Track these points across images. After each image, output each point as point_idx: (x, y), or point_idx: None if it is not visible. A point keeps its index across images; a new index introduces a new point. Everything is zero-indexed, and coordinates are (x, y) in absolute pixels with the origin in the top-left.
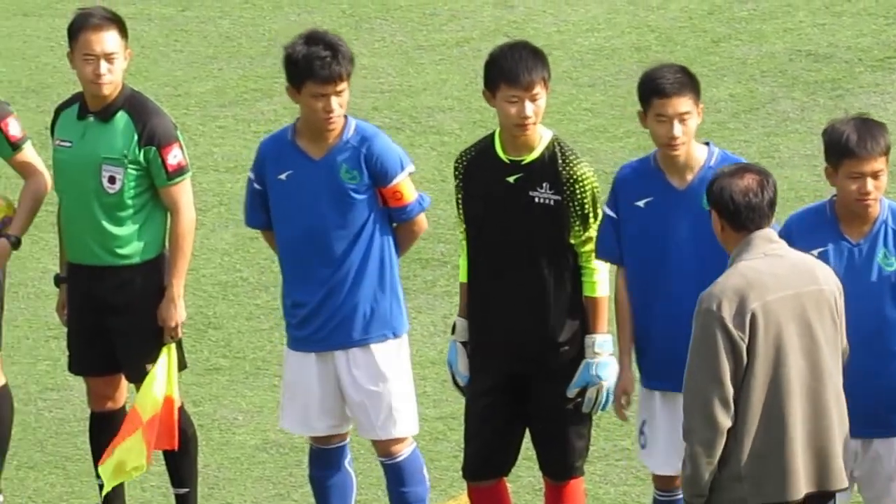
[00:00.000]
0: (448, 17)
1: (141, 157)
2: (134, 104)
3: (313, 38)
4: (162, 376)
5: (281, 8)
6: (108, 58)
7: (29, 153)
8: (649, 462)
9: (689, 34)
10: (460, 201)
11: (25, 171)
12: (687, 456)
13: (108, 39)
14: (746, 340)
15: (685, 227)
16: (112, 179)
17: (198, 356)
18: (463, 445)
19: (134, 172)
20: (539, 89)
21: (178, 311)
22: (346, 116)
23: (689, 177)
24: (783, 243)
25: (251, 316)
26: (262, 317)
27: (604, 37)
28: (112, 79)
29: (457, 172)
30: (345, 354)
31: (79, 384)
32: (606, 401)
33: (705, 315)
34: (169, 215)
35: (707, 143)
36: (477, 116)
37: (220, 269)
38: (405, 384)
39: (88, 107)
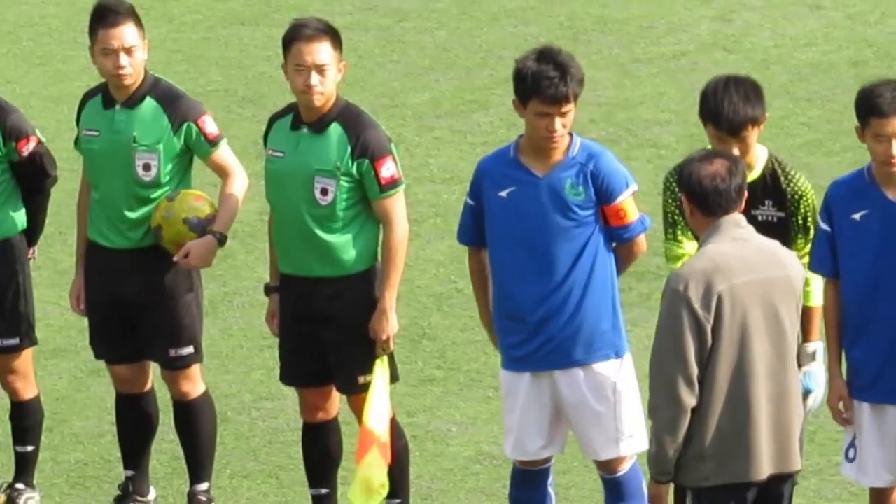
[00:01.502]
0: (665, 30)
1: (354, 170)
2: (348, 116)
3: (545, 56)
4: (383, 389)
5: (498, 20)
6: (320, 69)
7: (225, 152)
8: (857, 476)
9: None
10: (680, 223)
11: (222, 170)
12: (652, 434)
13: (320, 51)
14: (712, 322)
15: None
16: (324, 191)
17: (412, 367)
18: None
19: (346, 184)
20: (747, 133)
21: (390, 323)
22: (570, 134)
23: None
24: (751, 228)
25: (466, 327)
26: (476, 328)
27: (821, 51)
28: (323, 90)
29: (668, 189)
30: (565, 375)
31: (293, 393)
32: (814, 407)
33: (672, 295)
34: (382, 227)
35: None
36: (694, 130)
37: (434, 280)
38: (632, 402)
39: (302, 118)
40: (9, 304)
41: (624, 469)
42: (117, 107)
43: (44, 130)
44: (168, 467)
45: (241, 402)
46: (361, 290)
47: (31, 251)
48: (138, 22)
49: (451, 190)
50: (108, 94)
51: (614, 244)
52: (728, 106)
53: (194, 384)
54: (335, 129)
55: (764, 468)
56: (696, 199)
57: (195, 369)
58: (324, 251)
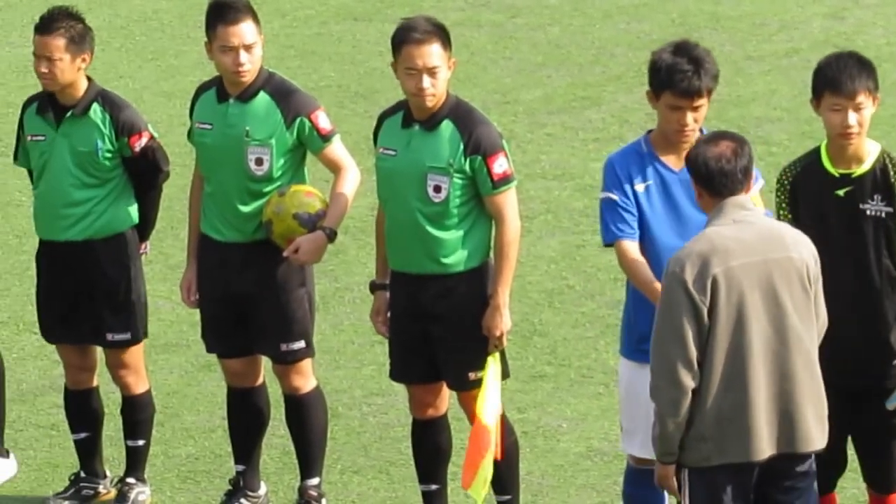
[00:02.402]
0: (778, 27)
1: (466, 166)
2: (460, 113)
3: (681, 49)
4: (494, 386)
5: (610, 16)
6: (431, 72)
7: (338, 147)
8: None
9: None
10: (787, 220)
11: (334, 165)
12: (655, 415)
13: (431, 53)
14: (707, 304)
15: None
16: (437, 188)
17: (523, 363)
18: None
19: (459, 181)
20: (863, 98)
21: (503, 320)
22: (701, 129)
23: None
24: (756, 210)
25: (577, 324)
26: (587, 325)
27: None
28: (435, 91)
29: (780, 187)
30: None
31: (403, 389)
32: None
33: (670, 278)
34: (494, 224)
35: None
36: (805, 127)
37: (546, 276)
38: None
39: (414, 116)
40: (120, 299)
41: None
42: (231, 101)
43: (156, 125)
44: (279, 462)
45: (352, 397)
46: (473, 287)
47: (142, 246)
48: (256, 19)
49: (562, 186)
50: (223, 88)
51: None
52: (846, 71)
53: (306, 379)
54: (447, 127)
55: (763, 448)
56: (702, 180)
57: (306, 364)
58: (436, 248)
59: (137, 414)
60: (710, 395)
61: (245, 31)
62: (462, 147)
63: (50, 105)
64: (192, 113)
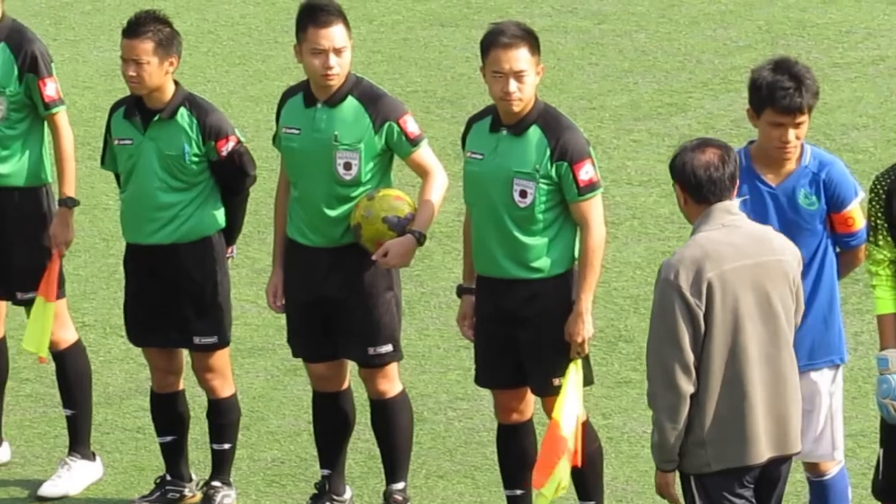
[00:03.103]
0: (864, 35)
1: (553, 172)
2: (547, 119)
3: (781, 66)
4: (574, 393)
5: (697, 23)
6: (518, 76)
7: (426, 152)
8: None
9: None
10: (883, 229)
11: (422, 169)
12: (653, 422)
13: (518, 58)
14: (703, 308)
15: None
16: (523, 193)
17: (608, 369)
18: (875, 464)
19: (545, 187)
20: None
21: (586, 326)
22: (802, 144)
23: None
24: (742, 215)
25: None
26: None
27: None
28: (522, 96)
29: (874, 195)
30: None
31: (489, 394)
32: None
33: (664, 284)
34: (579, 230)
35: None
36: (892, 135)
37: (631, 282)
38: (839, 409)
39: (501, 120)
40: (207, 303)
41: (832, 472)
42: (319, 105)
43: (243, 130)
44: (364, 466)
45: (438, 402)
46: (559, 292)
47: (229, 250)
48: (346, 23)
49: (648, 192)
50: (310, 93)
51: (838, 250)
52: None
53: (392, 383)
54: (535, 132)
55: (763, 451)
56: (689, 188)
57: (393, 368)
58: (522, 253)
59: (223, 417)
60: (708, 399)
61: (336, 34)
62: (549, 153)
63: (137, 109)
64: (278, 117)
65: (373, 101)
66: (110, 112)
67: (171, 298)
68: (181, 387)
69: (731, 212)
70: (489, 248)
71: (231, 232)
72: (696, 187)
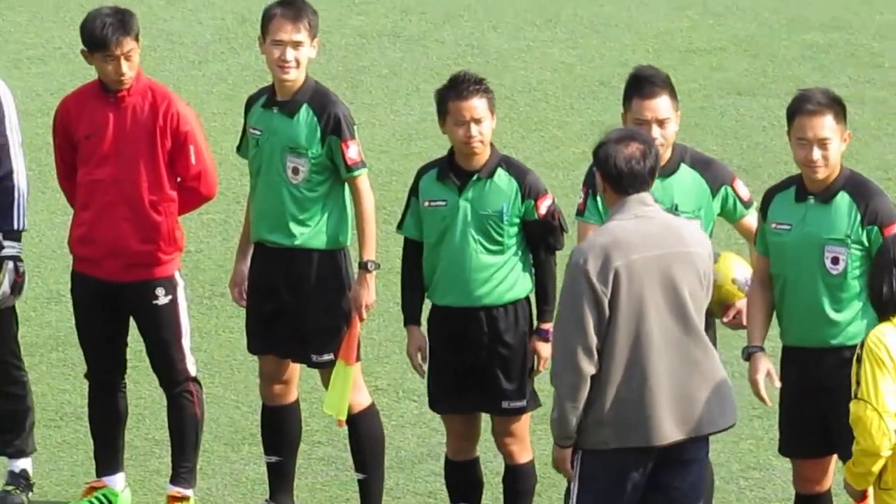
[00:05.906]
0: None
1: (864, 237)
2: (855, 184)
3: None
4: None
5: None
6: (822, 143)
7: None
8: None
9: None
10: None
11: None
12: (554, 399)
13: (822, 126)
14: (609, 295)
15: None
16: (835, 260)
17: None
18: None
19: (857, 252)
20: None
21: None
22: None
23: None
24: (657, 207)
25: None
26: None
27: None
28: (823, 164)
29: None
30: None
31: (781, 464)
32: None
33: (573, 269)
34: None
35: None
36: None
37: None
38: None
39: (807, 188)
40: (517, 367)
41: None
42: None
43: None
44: None
45: (730, 471)
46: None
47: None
48: (673, 93)
49: None
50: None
51: None
52: None
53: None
54: (842, 198)
55: (667, 433)
56: (610, 179)
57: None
58: (832, 322)
59: (520, 483)
60: (610, 382)
61: (660, 105)
62: (859, 218)
63: (450, 169)
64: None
65: (706, 166)
66: (417, 176)
67: (480, 363)
68: (476, 453)
69: (645, 203)
70: (799, 317)
71: (545, 301)
72: (616, 179)
